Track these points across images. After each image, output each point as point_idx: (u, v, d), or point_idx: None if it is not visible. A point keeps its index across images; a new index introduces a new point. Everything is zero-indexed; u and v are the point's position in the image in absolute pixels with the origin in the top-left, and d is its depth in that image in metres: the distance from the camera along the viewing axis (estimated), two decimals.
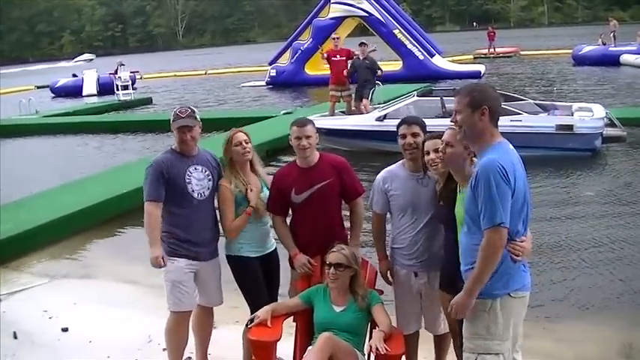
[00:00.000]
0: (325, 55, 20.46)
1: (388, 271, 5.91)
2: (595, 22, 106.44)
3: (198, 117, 6.14)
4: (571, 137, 15.35)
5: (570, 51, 44.20)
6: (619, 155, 16.16)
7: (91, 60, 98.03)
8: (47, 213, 12.27)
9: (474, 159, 4.82)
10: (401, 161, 5.76)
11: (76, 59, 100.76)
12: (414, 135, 5.56)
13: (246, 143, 6.13)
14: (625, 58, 39.04)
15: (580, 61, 41.64)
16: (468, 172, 4.84)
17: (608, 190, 13.06)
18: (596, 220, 11.26)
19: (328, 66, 20.32)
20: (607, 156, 16.11)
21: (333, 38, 21.43)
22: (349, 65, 19.89)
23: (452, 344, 5.67)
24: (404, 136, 5.61)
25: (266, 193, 6.16)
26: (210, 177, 6.16)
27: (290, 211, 6.11)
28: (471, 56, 51.52)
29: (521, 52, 53.54)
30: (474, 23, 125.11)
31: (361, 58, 19.41)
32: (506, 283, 4.41)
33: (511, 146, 4.49)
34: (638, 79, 32.13)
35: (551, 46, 55.55)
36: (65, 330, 7.83)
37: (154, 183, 5.97)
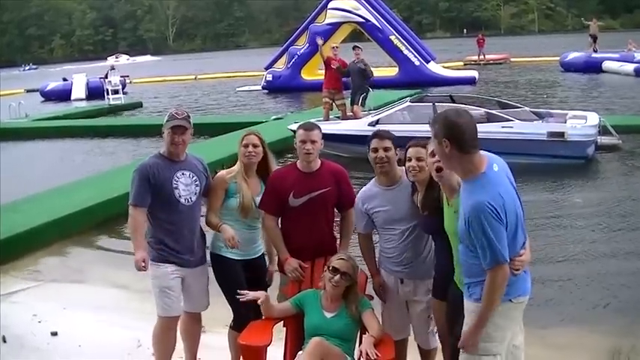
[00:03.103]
0: (325, 57, 20.44)
1: (380, 287, 5.89)
2: (585, 30, 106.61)
3: (191, 122, 6.12)
4: (563, 145, 15.35)
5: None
6: (612, 163, 16.20)
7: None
8: (37, 217, 12.24)
9: None
10: (372, 179, 5.78)
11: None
12: (386, 149, 5.55)
13: (254, 147, 6.11)
14: (607, 65, 39.57)
15: (566, 67, 42.37)
16: (456, 182, 4.80)
17: (599, 200, 13.10)
18: (586, 229, 11.35)
19: (324, 70, 20.30)
20: (600, 164, 16.13)
21: (333, 47, 21.40)
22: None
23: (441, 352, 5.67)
24: (375, 150, 5.58)
25: None
26: (197, 182, 6.12)
27: (282, 215, 6.08)
28: (462, 63, 51.64)
29: (512, 59, 53.72)
30: (464, 30, 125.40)
31: (355, 61, 19.38)
32: (508, 291, 4.41)
33: (496, 167, 4.40)
34: (620, 86, 32.75)
35: (541, 53, 55.62)
36: (55, 334, 7.80)
37: (139, 188, 5.93)
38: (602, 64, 40.01)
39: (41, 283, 9.92)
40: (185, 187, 6.03)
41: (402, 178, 5.61)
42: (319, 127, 5.99)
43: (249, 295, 5.61)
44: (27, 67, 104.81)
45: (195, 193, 6.10)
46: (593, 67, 40.01)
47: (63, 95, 44.31)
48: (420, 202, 5.31)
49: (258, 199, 6.10)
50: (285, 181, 5.94)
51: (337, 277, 5.46)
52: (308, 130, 5.86)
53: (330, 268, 5.51)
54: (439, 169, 4.67)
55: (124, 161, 19.31)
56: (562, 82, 37.38)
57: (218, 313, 6.80)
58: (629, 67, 37.07)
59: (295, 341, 5.60)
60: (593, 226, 11.48)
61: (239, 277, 6.11)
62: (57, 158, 22.13)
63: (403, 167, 5.48)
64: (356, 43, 20.80)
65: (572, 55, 43.09)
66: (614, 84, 34.06)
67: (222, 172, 6.21)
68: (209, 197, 6.19)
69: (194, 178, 6.10)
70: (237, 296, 5.69)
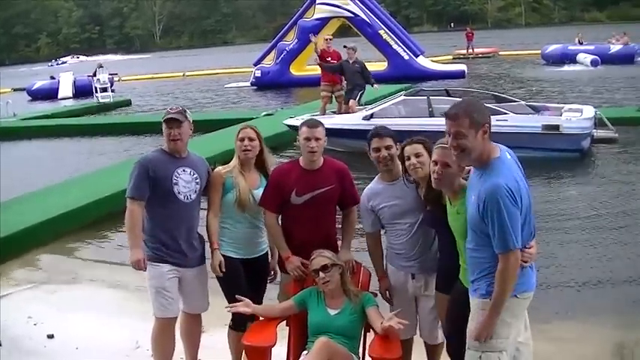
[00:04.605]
0: (319, 51, 20.29)
1: (387, 291, 5.85)
2: (572, 23, 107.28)
3: (189, 117, 6.04)
4: (558, 138, 15.27)
5: None
6: (608, 156, 16.16)
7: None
8: (29, 216, 12.09)
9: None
10: (376, 177, 5.74)
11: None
12: (388, 147, 5.50)
13: (250, 140, 6.03)
14: (579, 57, 40.73)
15: (546, 59, 43.88)
16: (457, 185, 4.84)
17: (594, 193, 13.13)
18: (583, 221, 11.33)
19: (319, 64, 20.16)
20: (596, 157, 16.12)
21: (326, 39, 21.29)
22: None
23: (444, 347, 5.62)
24: (377, 150, 5.53)
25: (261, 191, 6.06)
26: (198, 180, 6.05)
27: (284, 212, 6.00)
28: (450, 57, 51.76)
29: (500, 53, 53.83)
30: (451, 24, 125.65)
31: (350, 62, 19.27)
32: (514, 286, 4.37)
33: (508, 154, 4.46)
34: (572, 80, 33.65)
35: (529, 46, 55.80)
36: (51, 336, 7.69)
37: (138, 180, 5.85)
38: (577, 56, 41.06)
39: (35, 285, 9.76)
40: (185, 183, 5.95)
41: (402, 173, 5.54)
42: (323, 124, 5.91)
43: (239, 308, 5.54)
44: (58, 62, 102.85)
45: (195, 191, 6.02)
46: (569, 59, 41.34)
47: (49, 94, 44.00)
48: (423, 197, 5.29)
49: (256, 193, 6.03)
50: (287, 178, 5.86)
51: (321, 274, 5.43)
52: (312, 127, 5.78)
53: (312, 272, 5.51)
54: (462, 148, 4.38)
55: (115, 159, 19.17)
56: (516, 75, 38.20)
57: (218, 313, 6.61)
58: (588, 59, 38.87)
59: (298, 340, 5.55)
60: (589, 219, 11.42)
61: (239, 277, 6.03)
62: (47, 157, 21.93)
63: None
64: (349, 44, 20.60)
65: (551, 48, 44.54)
66: (571, 77, 35.26)
67: (218, 168, 6.15)
68: (208, 194, 6.12)
69: (195, 176, 6.03)
70: (237, 296, 5.65)
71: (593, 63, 38.49)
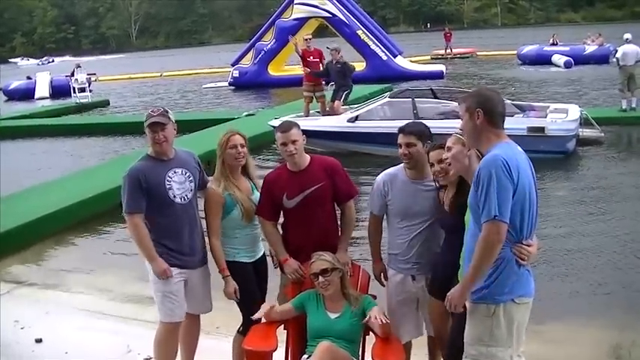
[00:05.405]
0: (300, 51, 20.23)
1: (382, 274, 5.81)
2: (547, 24, 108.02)
3: (172, 117, 5.91)
4: (543, 139, 15.23)
5: None
6: (593, 157, 16.27)
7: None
8: (12, 218, 11.93)
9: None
10: (402, 164, 5.64)
11: None
12: (409, 145, 5.43)
13: (242, 147, 5.93)
14: (554, 58, 41.33)
15: (522, 60, 44.53)
16: (474, 169, 4.73)
17: (582, 194, 13.23)
18: (572, 222, 11.39)
19: (301, 64, 20.10)
20: (581, 158, 16.20)
21: (306, 39, 21.23)
22: (322, 67, 19.76)
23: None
24: (400, 146, 5.49)
25: (257, 195, 5.98)
26: (191, 178, 5.94)
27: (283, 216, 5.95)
28: (428, 57, 51.86)
29: (478, 53, 54.05)
30: (427, 24, 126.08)
31: (333, 62, 19.22)
32: (511, 288, 4.36)
33: (519, 148, 4.47)
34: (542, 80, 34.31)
35: (505, 47, 56.08)
36: (39, 341, 7.55)
37: (132, 194, 5.70)
38: (552, 57, 41.60)
39: (21, 287, 9.64)
40: (179, 185, 5.84)
41: (430, 175, 5.46)
42: (297, 125, 5.85)
43: (261, 313, 5.50)
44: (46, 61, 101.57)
45: (191, 190, 5.92)
46: (543, 60, 41.94)
47: (26, 94, 43.63)
48: (450, 200, 5.21)
49: (254, 198, 5.97)
50: (276, 183, 5.81)
51: (321, 278, 5.36)
52: (285, 131, 5.72)
53: (311, 275, 5.45)
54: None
55: (96, 160, 19.10)
56: (496, 75, 38.53)
57: (211, 318, 6.65)
58: (562, 61, 39.55)
59: (298, 344, 5.47)
60: (579, 220, 11.50)
61: (252, 283, 5.98)
62: (27, 158, 21.70)
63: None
64: (332, 44, 20.54)
65: (527, 49, 45.11)
66: (547, 77, 35.74)
67: (212, 189, 5.95)
68: (207, 218, 5.97)
69: (187, 175, 5.91)
70: (252, 304, 5.65)
71: (567, 64, 39.07)
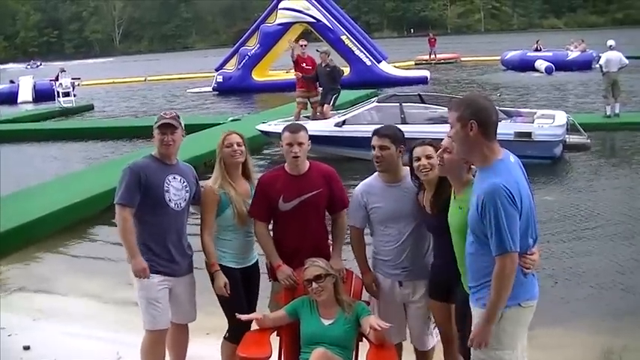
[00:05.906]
0: (294, 57, 20.21)
1: (373, 283, 5.77)
2: (530, 30, 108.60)
3: (182, 123, 5.97)
4: (530, 145, 15.22)
5: None
6: (580, 163, 16.34)
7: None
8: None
9: (472, 167, 4.76)
10: (375, 173, 5.66)
11: None
12: (382, 148, 5.44)
13: (239, 146, 5.94)
14: (537, 63, 41.54)
15: (506, 65, 44.76)
16: (465, 178, 4.83)
17: (570, 199, 13.29)
18: (561, 227, 11.39)
19: (288, 69, 20.06)
20: (568, 163, 16.28)
21: (301, 45, 21.18)
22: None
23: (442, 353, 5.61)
24: (373, 148, 5.49)
25: None
26: (187, 189, 5.95)
27: (273, 219, 5.92)
28: (413, 62, 51.97)
29: (462, 59, 54.26)
30: (411, 30, 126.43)
31: (323, 65, 19.21)
32: (517, 293, 4.34)
33: (512, 158, 4.44)
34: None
35: (489, 52, 56.28)
36: (27, 348, 7.48)
37: (129, 186, 5.71)
38: (535, 62, 41.85)
39: (7, 294, 9.55)
40: (176, 191, 5.85)
41: (405, 178, 5.49)
42: (305, 129, 5.85)
43: (247, 315, 5.52)
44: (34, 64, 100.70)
45: (185, 199, 5.92)
46: (527, 66, 42.13)
47: (8, 98, 43.05)
48: (430, 201, 5.23)
49: (250, 202, 5.95)
50: (273, 185, 5.78)
51: (314, 284, 5.34)
52: (294, 132, 5.72)
53: (304, 282, 5.43)
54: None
55: (82, 164, 19.04)
56: (482, 80, 38.98)
57: (201, 324, 6.61)
58: (543, 66, 39.89)
59: (291, 351, 5.45)
60: (568, 225, 11.54)
61: (238, 288, 5.93)
62: (12, 163, 21.48)
63: (407, 167, 5.42)
64: (322, 47, 20.53)
65: (510, 54, 45.35)
66: (530, 82, 36.13)
67: (209, 185, 5.97)
68: (201, 213, 5.99)
69: (185, 184, 5.93)
70: (236, 310, 5.59)
71: (547, 70, 39.37)
